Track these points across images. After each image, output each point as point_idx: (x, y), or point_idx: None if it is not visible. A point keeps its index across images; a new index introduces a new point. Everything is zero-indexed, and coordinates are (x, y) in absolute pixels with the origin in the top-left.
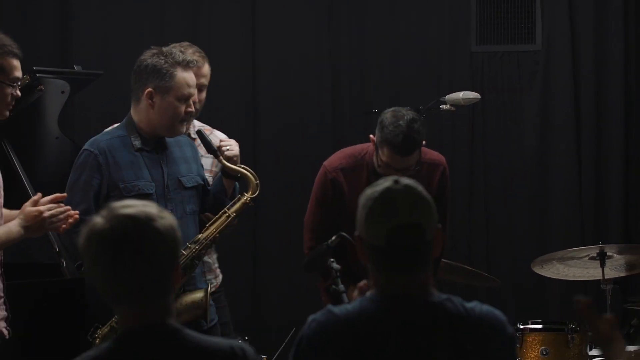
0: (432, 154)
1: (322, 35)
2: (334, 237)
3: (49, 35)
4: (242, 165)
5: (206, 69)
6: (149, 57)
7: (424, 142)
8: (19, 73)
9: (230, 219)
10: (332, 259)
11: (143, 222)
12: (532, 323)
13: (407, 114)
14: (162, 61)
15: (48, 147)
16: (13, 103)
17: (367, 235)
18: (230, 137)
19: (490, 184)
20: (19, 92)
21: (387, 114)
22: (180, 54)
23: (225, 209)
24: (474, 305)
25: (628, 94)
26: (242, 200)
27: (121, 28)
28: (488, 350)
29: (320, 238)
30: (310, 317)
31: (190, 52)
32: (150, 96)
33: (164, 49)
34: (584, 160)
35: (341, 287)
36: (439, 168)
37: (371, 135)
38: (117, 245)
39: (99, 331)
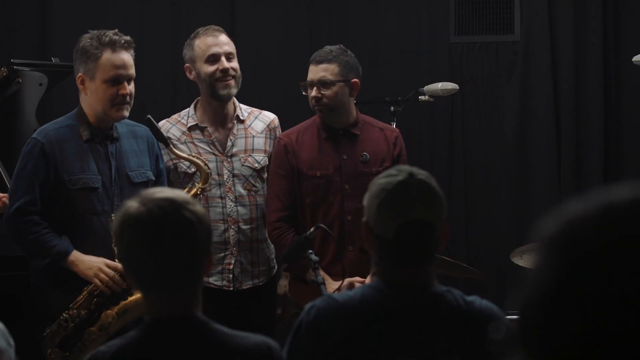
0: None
1: (301, 26)
2: (312, 229)
3: (27, 27)
4: (194, 155)
5: (223, 38)
6: (81, 41)
7: (347, 74)
8: None
9: None
10: (310, 251)
11: (180, 206)
12: (513, 314)
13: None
14: (88, 44)
15: (26, 140)
16: None
17: (376, 226)
18: None
19: (470, 175)
20: None
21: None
22: (110, 35)
23: None
24: (473, 299)
25: (607, 84)
26: (192, 191)
27: (100, 20)
28: (486, 345)
29: (288, 207)
30: (309, 304)
31: (203, 30)
32: (82, 81)
33: (96, 31)
34: (564, 151)
35: (319, 278)
36: (393, 133)
37: None
38: (155, 228)
39: (47, 329)
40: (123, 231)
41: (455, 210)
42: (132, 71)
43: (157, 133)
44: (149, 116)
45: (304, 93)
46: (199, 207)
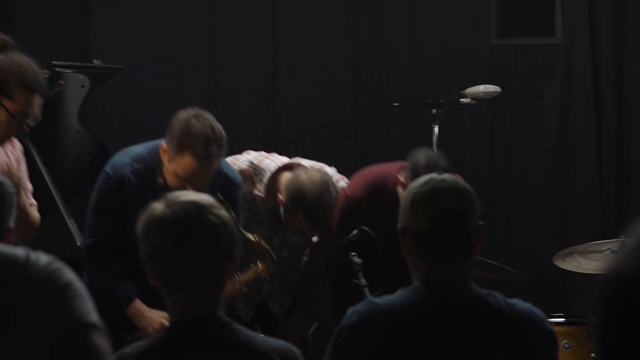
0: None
1: (342, 30)
2: (355, 231)
3: (68, 30)
4: (263, 238)
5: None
6: (182, 121)
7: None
8: (33, 109)
9: (239, 288)
10: (353, 253)
11: (205, 208)
12: (554, 317)
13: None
14: (183, 134)
15: (68, 141)
16: (16, 136)
17: (410, 222)
18: (251, 134)
19: (511, 178)
20: (27, 128)
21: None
22: (208, 146)
23: (235, 274)
24: (515, 301)
25: None
26: (253, 270)
27: (140, 22)
28: (529, 347)
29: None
30: (351, 309)
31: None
32: (165, 150)
33: (198, 125)
34: (605, 153)
35: (363, 281)
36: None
37: None
38: (180, 229)
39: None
40: (148, 232)
41: (496, 213)
42: (205, 182)
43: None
44: (219, 194)
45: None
46: (223, 212)
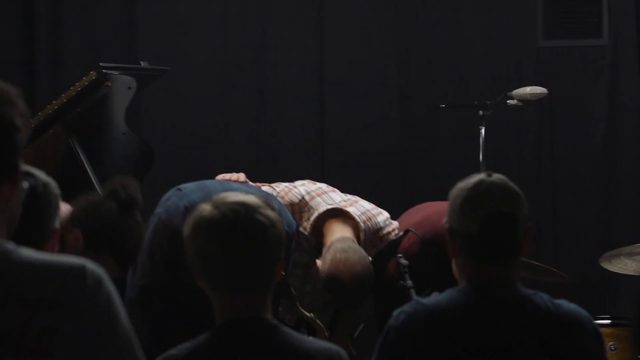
0: None
1: (388, 33)
2: (401, 233)
3: (115, 31)
4: (316, 314)
5: None
6: None
7: None
8: None
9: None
10: (399, 255)
11: (254, 209)
12: (600, 318)
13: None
14: None
15: (115, 143)
16: None
17: (460, 224)
18: (298, 137)
19: (558, 180)
20: None
21: None
22: None
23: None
24: (561, 302)
25: None
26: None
27: (187, 23)
28: (576, 348)
29: None
30: (397, 310)
31: None
32: None
33: None
34: None
35: (409, 282)
36: None
37: None
38: (228, 230)
39: None
40: (196, 234)
41: (543, 214)
42: None
43: (287, 291)
44: (284, 273)
45: None
46: (271, 212)
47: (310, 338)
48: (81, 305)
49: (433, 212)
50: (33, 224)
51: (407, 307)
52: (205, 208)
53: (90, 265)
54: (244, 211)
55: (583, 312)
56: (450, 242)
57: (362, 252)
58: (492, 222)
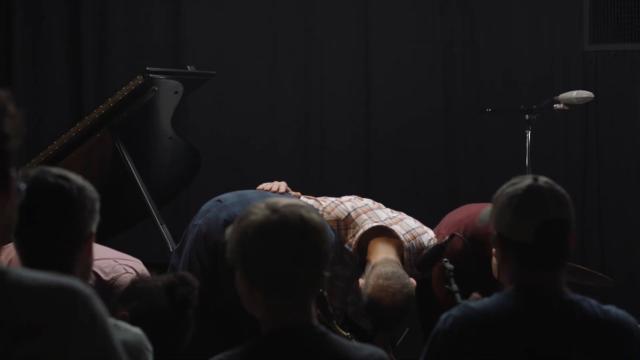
0: None
1: (435, 36)
2: (447, 237)
3: (162, 36)
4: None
5: None
6: None
7: None
8: None
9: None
10: (445, 259)
11: (303, 213)
12: None
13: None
14: None
15: (161, 147)
16: None
17: (512, 232)
18: (344, 137)
19: (604, 184)
20: None
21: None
22: None
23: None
24: (609, 308)
25: None
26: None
27: (233, 27)
28: (623, 353)
29: None
30: (445, 314)
31: None
32: None
33: None
34: None
35: (454, 286)
36: None
37: None
38: (292, 234)
39: None
40: (249, 237)
41: (589, 218)
42: None
43: (324, 308)
44: (322, 290)
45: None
46: (316, 216)
47: (355, 343)
48: (70, 326)
49: (476, 211)
50: (67, 227)
51: (455, 311)
52: (257, 212)
53: (79, 284)
54: (302, 216)
55: (631, 318)
56: (498, 248)
57: (405, 278)
58: (546, 229)
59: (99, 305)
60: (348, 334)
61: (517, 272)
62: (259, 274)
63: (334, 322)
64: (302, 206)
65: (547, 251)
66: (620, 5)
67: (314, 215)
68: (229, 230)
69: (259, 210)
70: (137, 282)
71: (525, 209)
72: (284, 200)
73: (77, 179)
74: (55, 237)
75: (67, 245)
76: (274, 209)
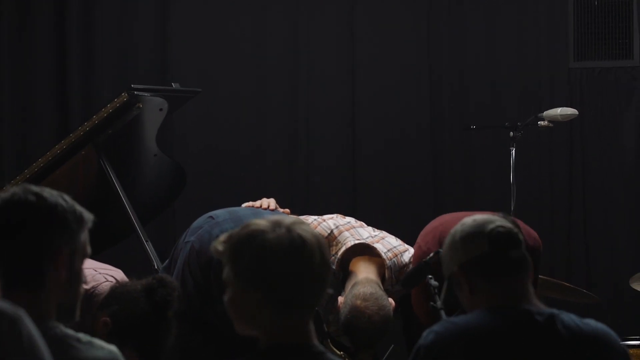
0: None
1: (420, 52)
2: (432, 254)
3: (147, 53)
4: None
5: None
6: None
7: None
8: None
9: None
10: (430, 276)
11: (305, 227)
12: (631, 339)
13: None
14: None
15: (146, 165)
16: None
17: (467, 252)
18: (331, 152)
19: (589, 201)
20: None
21: None
22: None
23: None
24: (589, 321)
25: None
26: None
27: (219, 44)
28: None
29: None
30: (427, 330)
31: None
32: None
33: None
34: None
35: (439, 303)
36: None
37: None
38: (312, 253)
39: None
40: (274, 256)
41: (574, 235)
42: None
43: (320, 327)
44: (318, 309)
45: None
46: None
47: None
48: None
49: (449, 219)
50: (32, 243)
51: (436, 327)
52: (264, 226)
53: (6, 306)
54: (310, 238)
55: (610, 330)
56: (464, 281)
57: (384, 300)
58: (498, 235)
59: (28, 326)
60: (342, 353)
61: (487, 289)
62: (278, 292)
63: (328, 340)
64: (308, 224)
65: (505, 255)
66: (604, 22)
67: (315, 232)
68: (222, 247)
69: (268, 227)
70: (117, 288)
71: (471, 229)
72: (289, 219)
73: (51, 195)
74: (22, 252)
75: (33, 261)
76: (288, 228)
